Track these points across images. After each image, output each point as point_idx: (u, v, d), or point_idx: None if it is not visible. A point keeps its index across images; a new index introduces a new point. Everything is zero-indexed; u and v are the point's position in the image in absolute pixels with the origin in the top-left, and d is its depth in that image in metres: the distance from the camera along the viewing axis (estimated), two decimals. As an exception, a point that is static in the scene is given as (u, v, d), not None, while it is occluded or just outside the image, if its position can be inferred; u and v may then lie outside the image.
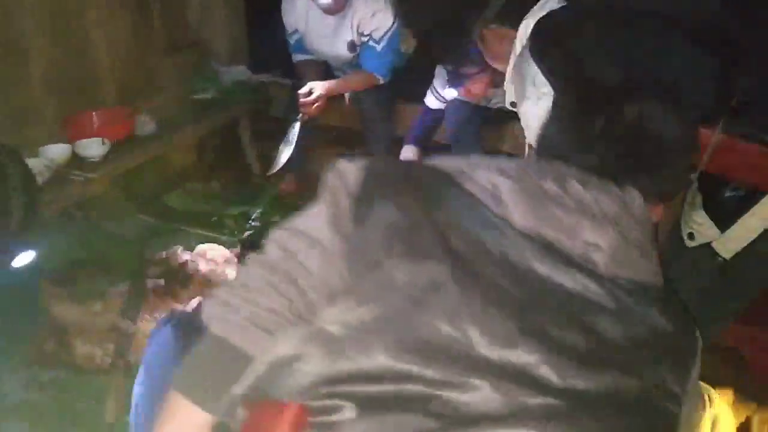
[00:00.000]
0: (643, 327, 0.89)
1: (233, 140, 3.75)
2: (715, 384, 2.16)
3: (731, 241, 1.58)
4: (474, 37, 1.80)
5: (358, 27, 3.06)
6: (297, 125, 3.05)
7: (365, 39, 3.08)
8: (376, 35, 3.04)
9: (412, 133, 3.09)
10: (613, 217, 0.92)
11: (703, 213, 1.60)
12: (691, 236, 1.64)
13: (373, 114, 3.25)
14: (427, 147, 3.09)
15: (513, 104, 1.83)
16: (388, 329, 0.87)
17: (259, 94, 3.77)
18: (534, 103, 1.62)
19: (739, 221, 1.56)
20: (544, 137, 1.13)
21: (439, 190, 0.95)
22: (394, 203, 0.92)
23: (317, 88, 3.00)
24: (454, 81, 2.76)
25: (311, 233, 0.97)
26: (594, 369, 0.85)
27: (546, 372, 0.84)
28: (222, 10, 3.87)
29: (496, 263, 0.88)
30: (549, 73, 1.58)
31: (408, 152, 3.05)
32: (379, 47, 3.07)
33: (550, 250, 0.89)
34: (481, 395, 0.83)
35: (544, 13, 1.67)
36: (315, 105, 2.99)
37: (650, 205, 0.99)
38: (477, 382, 0.84)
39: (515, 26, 1.69)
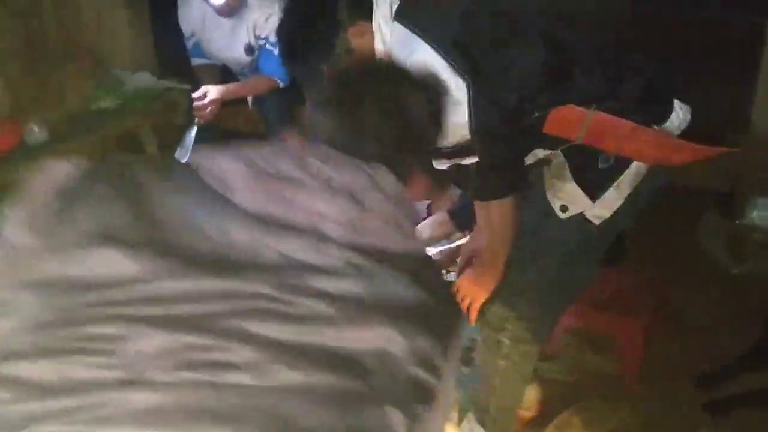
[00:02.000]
0: (386, 290, 0.93)
1: (137, 150, 3.61)
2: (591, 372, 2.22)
3: (603, 209, 1.71)
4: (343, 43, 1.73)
5: (254, 30, 2.99)
6: (193, 130, 2.96)
7: (262, 42, 3.01)
8: (273, 38, 2.97)
9: None
10: (353, 190, 0.98)
11: (575, 185, 1.71)
12: (564, 208, 1.74)
13: (276, 118, 3.19)
14: None
15: None
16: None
17: (163, 101, 3.65)
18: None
19: (611, 189, 1.69)
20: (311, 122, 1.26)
21: (160, 190, 1.04)
22: (106, 205, 1.00)
23: (211, 92, 2.92)
24: None
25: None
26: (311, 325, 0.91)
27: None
28: (123, 14, 3.75)
29: (216, 246, 0.95)
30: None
31: None
32: (276, 51, 2.99)
33: (278, 225, 0.95)
34: None
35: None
36: (209, 109, 2.90)
37: (406, 183, 1.11)
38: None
39: (369, 19, 1.65)
